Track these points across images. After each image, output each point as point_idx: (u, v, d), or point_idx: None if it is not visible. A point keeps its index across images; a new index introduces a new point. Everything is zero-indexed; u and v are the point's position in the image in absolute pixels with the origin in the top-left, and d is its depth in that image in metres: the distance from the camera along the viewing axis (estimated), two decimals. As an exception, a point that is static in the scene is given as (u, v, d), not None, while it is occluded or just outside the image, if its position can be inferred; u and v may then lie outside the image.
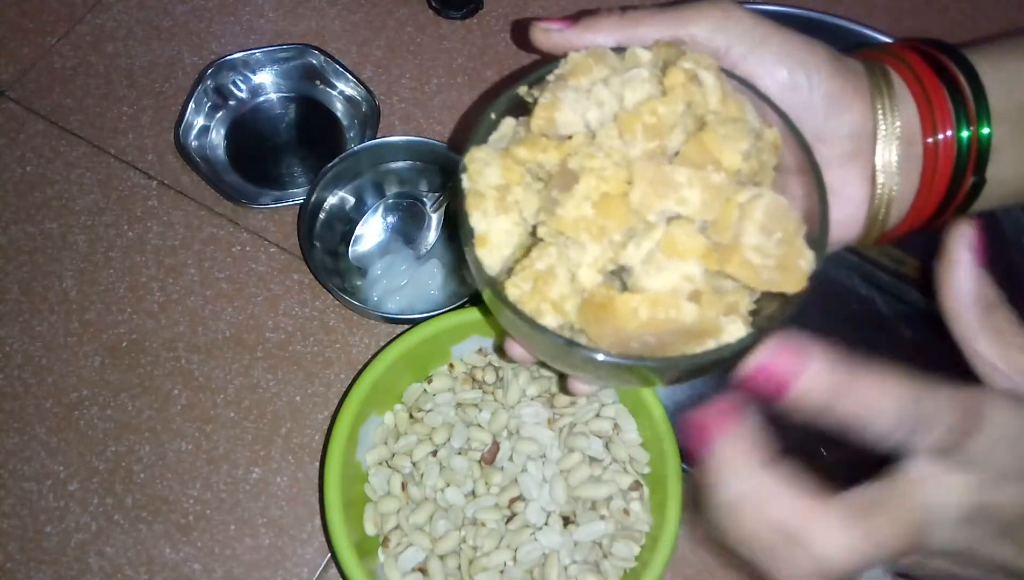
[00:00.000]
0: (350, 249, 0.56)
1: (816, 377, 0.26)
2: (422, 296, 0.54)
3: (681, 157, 0.29)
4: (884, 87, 0.34)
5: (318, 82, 0.63)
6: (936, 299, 0.30)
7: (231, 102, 0.62)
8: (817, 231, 0.30)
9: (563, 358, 0.30)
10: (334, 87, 0.62)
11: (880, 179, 0.34)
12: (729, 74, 0.32)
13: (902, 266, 0.54)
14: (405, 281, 0.55)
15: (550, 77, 0.32)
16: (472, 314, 0.48)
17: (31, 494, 0.50)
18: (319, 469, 0.50)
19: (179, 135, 0.59)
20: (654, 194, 0.28)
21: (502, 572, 0.44)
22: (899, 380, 0.26)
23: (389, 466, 0.47)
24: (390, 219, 0.57)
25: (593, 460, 0.46)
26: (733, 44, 0.33)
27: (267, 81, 0.62)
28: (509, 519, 0.45)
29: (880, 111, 0.34)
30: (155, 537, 0.49)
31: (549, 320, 0.29)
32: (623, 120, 0.29)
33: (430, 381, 0.49)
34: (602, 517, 0.45)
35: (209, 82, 0.61)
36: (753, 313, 0.29)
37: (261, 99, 0.63)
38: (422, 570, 0.44)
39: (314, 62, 0.62)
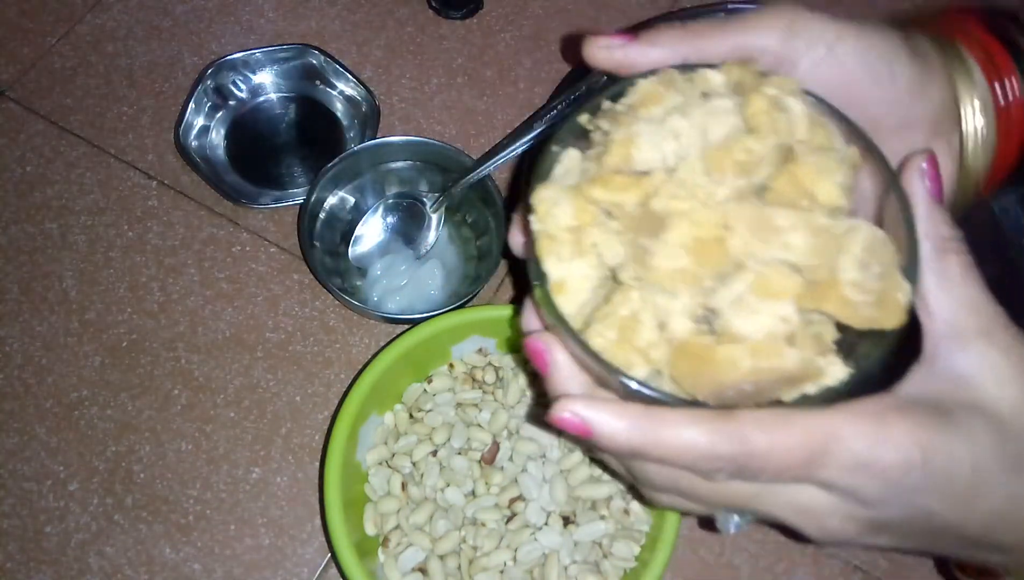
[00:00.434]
0: (350, 249, 0.56)
1: (615, 426, 0.26)
2: (422, 296, 0.54)
3: (772, 193, 0.27)
4: (956, 58, 0.33)
5: (318, 82, 0.62)
6: None
7: (231, 102, 0.62)
8: (907, 261, 0.27)
9: None
10: (334, 87, 0.62)
11: (969, 147, 0.33)
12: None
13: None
14: (405, 281, 0.55)
15: (618, 107, 0.30)
16: (472, 314, 0.48)
17: (31, 494, 0.50)
18: (319, 469, 0.50)
19: (179, 135, 0.59)
20: (756, 240, 0.26)
21: (502, 572, 0.44)
22: (710, 425, 0.25)
23: (389, 466, 0.47)
24: (390, 219, 0.57)
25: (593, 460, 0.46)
26: (810, 48, 0.31)
27: (267, 81, 0.62)
28: (509, 519, 0.45)
29: (958, 82, 0.33)
30: (155, 537, 0.49)
31: (639, 371, 0.27)
32: (712, 157, 0.27)
33: (430, 381, 0.49)
34: (602, 517, 0.45)
35: (209, 82, 0.61)
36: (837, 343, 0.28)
37: (261, 99, 0.63)
38: (422, 570, 0.44)
39: (314, 62, 0.62)
